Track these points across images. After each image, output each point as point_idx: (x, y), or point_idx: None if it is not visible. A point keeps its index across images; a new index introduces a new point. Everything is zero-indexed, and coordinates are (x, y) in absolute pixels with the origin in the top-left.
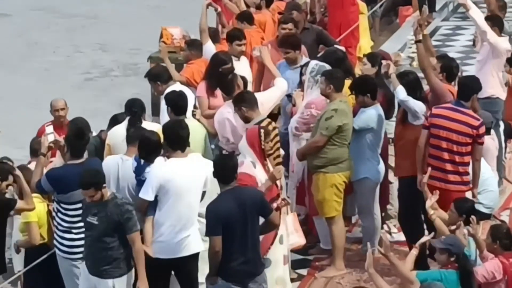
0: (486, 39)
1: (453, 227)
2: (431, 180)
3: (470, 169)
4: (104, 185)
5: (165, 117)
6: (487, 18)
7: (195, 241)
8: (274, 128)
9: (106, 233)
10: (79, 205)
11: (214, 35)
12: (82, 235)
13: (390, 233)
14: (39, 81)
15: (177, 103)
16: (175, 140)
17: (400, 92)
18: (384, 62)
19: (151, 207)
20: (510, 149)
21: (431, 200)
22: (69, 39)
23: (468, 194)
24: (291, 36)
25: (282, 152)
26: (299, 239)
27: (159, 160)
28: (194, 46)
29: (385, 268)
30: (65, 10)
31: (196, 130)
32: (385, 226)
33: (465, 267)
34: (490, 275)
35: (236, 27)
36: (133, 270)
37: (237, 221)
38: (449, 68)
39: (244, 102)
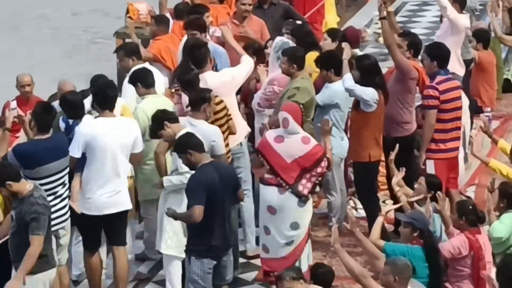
0: (446, 15)
1: (413, 199)
2: (445, 153)
3: None
4: (8, 182)
5: (127, 92)
6: None
7: (124, 199)
8: (221, 101)
9: (21, 229)
10: (46, 180)
11: (183, 11)
12: (52, 209)
13: (356, 208)
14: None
15: (142, 78)
16: (104, 100)
17: (347, 80)
18: (343, 44)
19: (79, 164)
20: (475, 125)
21: (397, 178)
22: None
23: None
24: (198, 18)
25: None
26: None
27: (86, 118)
28: (162, 21)
29: (351, 244)
30: None
31: (165, 106)
32: (351, 202)
33: (431, 244)
34: (456, 250)
35: (198, 3)
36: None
37: (219, 193)
38: (416, 44)
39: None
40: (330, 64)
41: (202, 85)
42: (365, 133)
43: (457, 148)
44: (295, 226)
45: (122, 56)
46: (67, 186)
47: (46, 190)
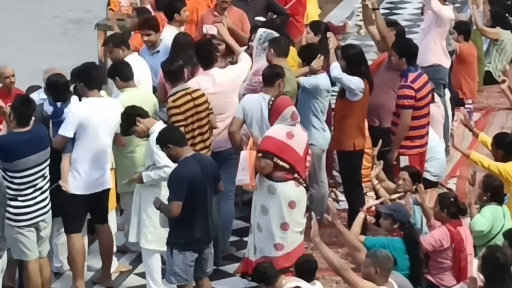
0: (430, 7)
1: (394, 196)
2: (422, 148)
3: None
4: None
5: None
6: None
7: (109, 178)
8: (202, 95)
9: None
10: (26, 173)
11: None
12: (28, 203)
13: (337, 200)
14: None
15: (120, 71)
16: (90, 80)
17: (334, 69)
18: (328, 34)
19: (68, 144)
20: (457, 117)
21: (375, 171)
22: None
23: None
24: (151, 18)
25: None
26: (244, 178)
27: (75, 99)
28: (143, 14)
29: (332, 236)
30: None
31: (147, 98)
32: (332, 194)
33: (411, 236)
34: (437, 243)
35: None
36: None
37: (200, 186)
38: (403, 33)
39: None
40: (312, 57)
41: (210, 81)
42: (349, 122)
43: (427, 143)
44: (304, 214)
45: (111, 48)
46: (47, 178)
47: (26, 183)
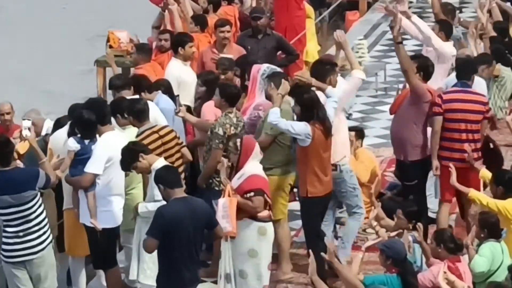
0: (431, 44)
1: (393, 233)
2: (451, 162)
3: None
4: None
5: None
6: (436, 22)
7: (121, 212)
8: (171, 131)
9: None
10: (5, 210)
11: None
12: (12, 240)
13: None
14: None
15: (122, 109)
16: (103, 116)
17: (271, 114)
18: (283, 80)
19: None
20: None
21: (374, 213)
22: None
23: None
24: (143, 78)
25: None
26: (226, 225)
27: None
28: (143, 50)
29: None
30: None
31: None
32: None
33: (404, 273)
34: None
35: (182, 32)
36: None
37: (184, 229)
38: (425, 67)
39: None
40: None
41: None
42: (303, 167)
43: (464, 160)
44: None
45: (114, 93)
46: (35, 222)
47: (4, 221)
